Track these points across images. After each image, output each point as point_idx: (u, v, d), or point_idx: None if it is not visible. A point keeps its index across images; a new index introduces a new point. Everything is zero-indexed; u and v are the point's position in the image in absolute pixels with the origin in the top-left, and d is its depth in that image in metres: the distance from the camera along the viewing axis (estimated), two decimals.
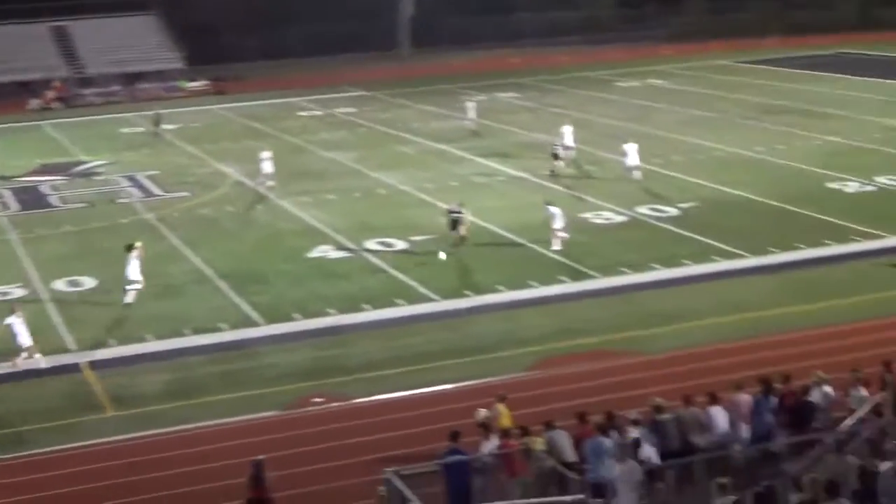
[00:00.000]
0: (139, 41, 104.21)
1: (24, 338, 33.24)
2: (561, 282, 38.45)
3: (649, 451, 22.35)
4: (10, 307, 34.63)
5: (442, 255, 40.58)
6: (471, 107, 69.40)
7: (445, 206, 43.81)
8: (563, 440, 22.98)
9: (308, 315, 36.47)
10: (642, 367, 30.87)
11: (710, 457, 22.05)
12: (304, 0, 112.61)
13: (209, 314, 36.97)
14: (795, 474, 20.16)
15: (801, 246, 40.97)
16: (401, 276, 39.87)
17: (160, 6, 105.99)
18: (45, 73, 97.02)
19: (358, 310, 36.62)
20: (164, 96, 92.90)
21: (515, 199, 50.08)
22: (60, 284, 40.90)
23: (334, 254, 43.17)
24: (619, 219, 46.13)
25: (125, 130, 75.93)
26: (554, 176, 53.41)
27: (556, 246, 41.37)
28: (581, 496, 18.99)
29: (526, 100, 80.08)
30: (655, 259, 40.23)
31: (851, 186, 49.50)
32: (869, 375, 25.25)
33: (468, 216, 42.85)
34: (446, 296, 37.46)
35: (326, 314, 36.45)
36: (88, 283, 41.03)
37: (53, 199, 54.76)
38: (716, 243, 41.64)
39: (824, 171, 52.06)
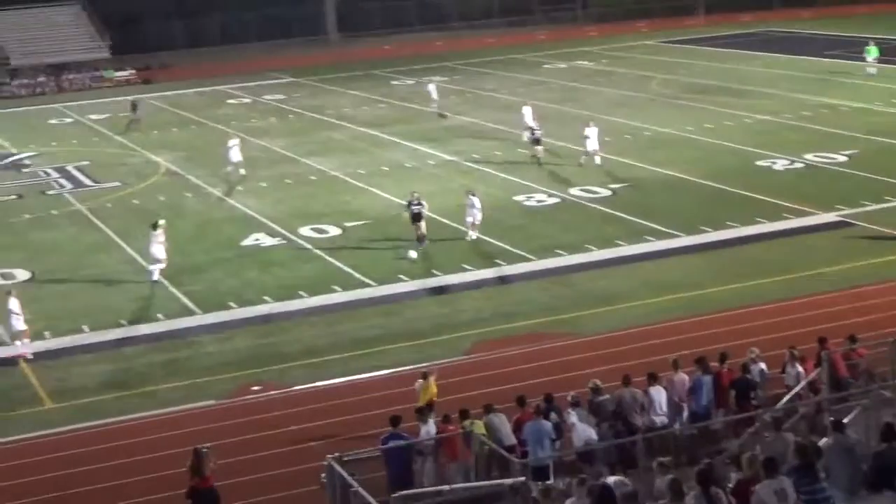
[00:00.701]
0: (64, 32, 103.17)
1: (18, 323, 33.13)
2: (496, 265, 38.60)
3: (589, 432, 22.58)
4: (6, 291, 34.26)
5: (412, 254, 39.14)
6: (432, 89, 69.58)
7: (405, 200, 42.18)
8: (502, 423, 23.13)
9: (244, 303, 36.42)
10: (580, 349, 31.10)
11: (651, 436, 22.26)
12: None
13: (145, 304, 36.83)
14: (734, 452, 20.42)
15: (733, 224, 41.38)
16: (336, 262, 39.88)
17: None
18: None
19: (294, 297, 36.62)
20: (91, 86, 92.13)
21: (447, 183, 50.13)
22: None
23: (268, 241, 43.09)
24: (552, 200, 46.35)
25: (53, 121, 75.18)
26: (539, 163, 52.48)
27: (473, 236, 41.24)
28: (522, 479, 19.08)
29: (453, 83, 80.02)
30: (589, 240, 40.50)
31: (780, 164, 50.00)
32: (805, 352, 25.61)
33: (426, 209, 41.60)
34: (382, 281, 37.50)
35: (263, 302, 36.42)
36: (21, 275, 40.67)
37: None
38: (648, 223, 41.97)
39: (754, 150, 52.54)
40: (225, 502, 22.12)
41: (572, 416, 23.04)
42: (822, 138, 54.67)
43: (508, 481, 19.35)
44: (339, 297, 36.55)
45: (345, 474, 19.41)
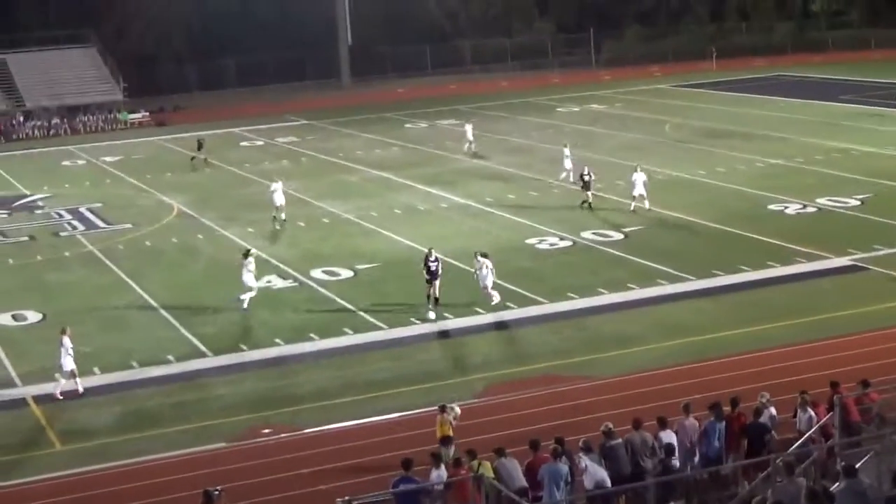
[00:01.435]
0: (78, 74, 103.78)
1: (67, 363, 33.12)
2: (508, 308, 38.53)
3: (601, 474, 22.48)
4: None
5: (431, 315, 37.84)
6: (469, 129, 69.94)
7: (423, 259, 39.30)
8: (514, 467, 23.05)
9: (255, 345, 36.41)
10: (592, 392, 30.98)
11: (660, 480, 22.14)
12: (242, 30, 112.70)
13: (156, 346, 36.80)
14: (745, 497, 20.30)
15: (745, 268, 41.28)
16: (347, 304, 39.85)
17: (99, 39, 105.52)
18: None
19: (305, 339, 36.57)
20: (104, 128, 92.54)
21: (459, 226, 50.24)
22: (5, 318, 40.59)
23: (280, 283, 43.10)
24: (564, 244, 46.33)
25: (66, 163, 75.45)
26: (589, 207, 51.56)
27: (496, 298, 38.18)
28: None
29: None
30: (601, 283, 40.42)
31: (793, 208, 49.94)
32: (816, 396, 25.48)
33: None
34: (393, 324, 37.45)
35: (274, 344, 36.39)
36: (33, 317, 40.72)
37: None
38: (660, 267, 41.89)
39: (765, 194, 52.51)
40: None
41: (584, 461, 22.93)
42: (835, 182, 54.63)
43: None
44: (351, 339, 36.49)
45: None
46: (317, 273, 43.85)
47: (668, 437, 23.98)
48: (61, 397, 32.90)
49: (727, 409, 24.68)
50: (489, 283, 38.12)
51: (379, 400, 31.56)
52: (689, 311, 37.52)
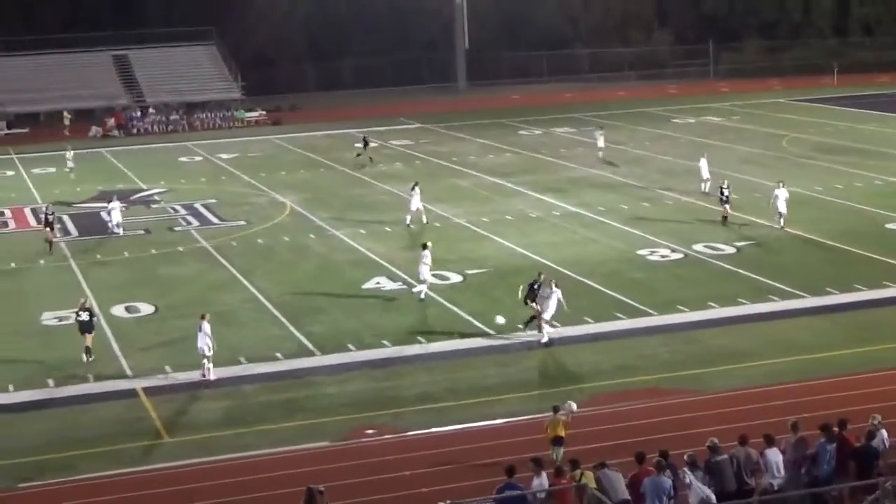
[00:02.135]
0: (198, 71, 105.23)
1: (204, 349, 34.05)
2: (617, 318, 38.32)
3: (706, 492, 22.22)
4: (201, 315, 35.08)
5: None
6: (599, 135, 69.83)
7: (528, 282, 37.25)
8: (617, 479, 22.89)
9: (363, 346, 36.55)
10: (698, 406, 30.67)
11: (766, 499, 21.86)
12: (360, 32, 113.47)
13: (265, 343, 37.13)
14: None
15: (861, 287, 40.57)
16: (456, 308, 39.87)
17: (219, 37, 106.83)
18: (106, 101, 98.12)
19: (413, 342, 36.65)
20: (221, 126, 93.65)
21: (570, 235, 50.06)
22: (118, 310, 41.21)
23: (389, 285, 43.24)
24: (675, 256, 45.94)
25: (183, 159, 76.46)
26: (727, 223, 50.57)
27: (545, 338, 36.46)
28: None
29: (582, 135, 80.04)
30: (712, 297, 40.00)
31: None
32: None
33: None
34: (501, 330, 37.35)
35: (381, 345, 36.50)
36: (146, 309, 41.31)
37: (111, 225, 55.06)
38: (773, 282, 41.34)
39: (884, 212, 51.63)
40: None
41: (688, 476, 22.70)
42: None
43: None
44: (458, 343, 36.49)
45: None
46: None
47: (775, 455, 23.65)
48: (213, 377, 33.92)
49: (836, 429, 24.27)
50: (550, 314, 36.53)
51: (483, 405, 31.50)
52: (800, 329, 36.98)
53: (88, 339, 36.02)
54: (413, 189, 53.65)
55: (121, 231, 52.68)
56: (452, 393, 32.54)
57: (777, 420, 26.45)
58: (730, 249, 46.45)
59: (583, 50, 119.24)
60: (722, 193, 51.17)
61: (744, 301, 39.62)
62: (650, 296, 40.51)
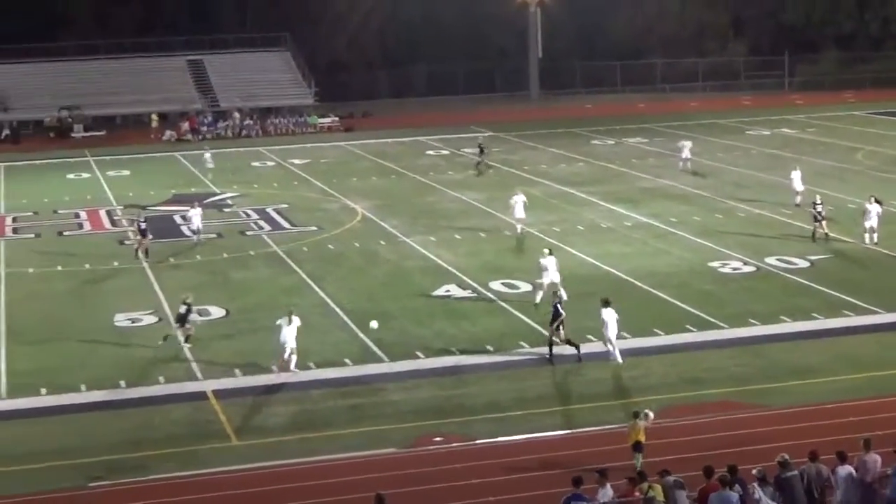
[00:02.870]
0: (272, 77, 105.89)
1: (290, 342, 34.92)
2: (687, 330, 38.08)
3: None
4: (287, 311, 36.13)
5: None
6: (686, 145, 69.48)
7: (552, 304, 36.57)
8: (682, 495, 22.78)
9: (431, 354, 36.56)
10: (768, 421, 30.38)
11: None
12: (433, 40, 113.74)
13: (333, 348, 37.25)
14: None
15: None
16: (524, 318, 39.78)
17: (293, 43, 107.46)
18: (180, 105, 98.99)
19: (481, 350, 36.61)
20: (294, 131, 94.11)
21: (642, 246, 49.81)
22: None
23: (459, 293, 43.24)
24: (747, 269, 45.56)
25: (255, 164, 76.96)
26: (825, 239, 49.25)
27: (616, 358, 35.32)
28: None
29: (654, 145, 79.74)
30: (784, 311, 39.64)
31: None
32: None
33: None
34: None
35: (449, 353, 36.49)
36: (216, 312, 41.56)
37: (185, 229, 55.50)
38: (847, 297, 40.87)
39: None
40: None
41: (758, 491, 22.51)
42: None
43: None
44: (525, 353, 36.39)
45: None
46: (496, 284, 43.87)
47: (847, 472, 23.39)
48: (296, 370, 34.78)
49: None
50: (612, 334, 35.58)
51: (551, 415, 31.43)
52: (875, 345, 36.49)
53: (180, 331, 37.48)
54: (515, 197, 53.30)
55: (201, 237, 52.60)
56: (519, 402, 32.45)
57: (848, 437, 26.12)
58: (803, 263, 45.97)
59: (656, 60, 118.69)
60: (815, 209, 49.77)
61: (817, 316, 39.21)
62: (721, 308, 40.22)
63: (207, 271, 47.77)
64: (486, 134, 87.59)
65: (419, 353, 36.54)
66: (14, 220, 60.27)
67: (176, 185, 69.02)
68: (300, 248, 51.29)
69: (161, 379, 34.85)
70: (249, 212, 60.24)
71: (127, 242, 53.04)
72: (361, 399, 33.13)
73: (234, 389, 33.91)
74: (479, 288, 43.57)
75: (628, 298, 40.99)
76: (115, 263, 49.47)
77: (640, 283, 43.26)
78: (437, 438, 30.10)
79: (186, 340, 37.47)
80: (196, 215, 52.66)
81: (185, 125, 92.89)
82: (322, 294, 43.58)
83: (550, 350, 35.68)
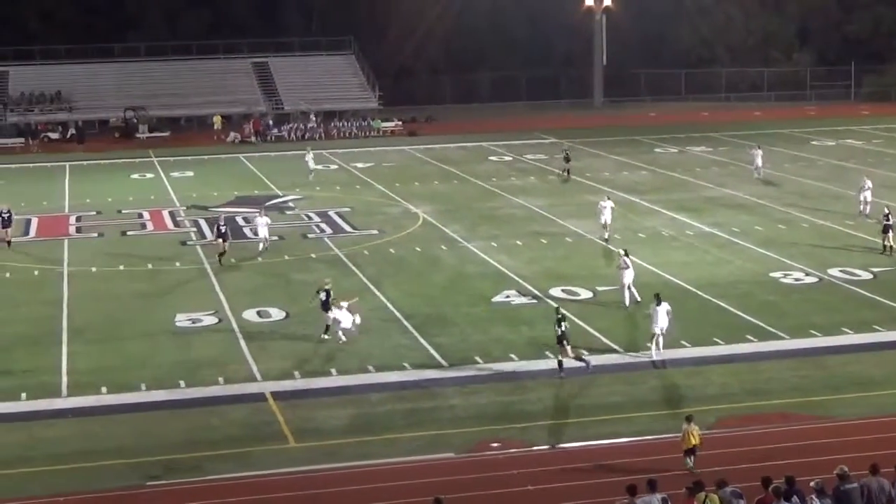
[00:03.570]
0: (336, 80, 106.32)
1: (346, 322, 37.68)
2: (748, 340, 37.86)
3: None
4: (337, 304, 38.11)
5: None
6: (757, 154, 69.33)
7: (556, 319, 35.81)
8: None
9: (490, 359, 36.54)
10: (828, 433, 30.16)
11: None
12: (497, 46, 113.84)
13: (393, 352, 37.33)
14: None
15: None
16: (584, 325, 39.68)
17: (357, 47, 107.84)
18: (245, 107, 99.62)
19: (540, 356, 36.53)
20: (357, 135, 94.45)
21: (703, 255, 49.57)
22: (250, 314, 41.74)
23: (518, 299, 43.20)
24: (810, 280, 45.24)
25: (318, 167, 77.19)
26: (890, 252, 48.47)
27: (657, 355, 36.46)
28: None
29: (717, 154, 79.35)
30: (846, 323, 39.34)
31: None
32: None
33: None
34: (628, 348, 37.16)
35: (508, 359, 36.47)
36: (277, 314, 41.78)
37: (247, 231, 55.83)
38: None
39: None
40: None
41: (815, 503, 22.34)
42: None
43: None
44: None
45: None
46: (556, 291, 43.82)
47: None
48: (344, 338, 37.73)
49: None
50: (661, 328, 36.20)
51: (609, 423, 31.34)
52: None
53: (328, 317, 38.60)
54: (602, 202, 53.34)
55: (267, 245, 51.91)
56: (579, 409, 32.41)
57: None
58: (866, 275, 45.57)
59: (721, 69, 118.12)
60: (888, 220, 49.01)
61: (879, 328, 38.88)
62: (782, 319, 39.96)
63: (268, 273, 48.03)
64: (550, 140, 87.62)
65: (478, 359, 36.54)
66: (78, 219, 60.91)
67: (239, 187, 69.40)
68: (361, 251, 51.45)
69: (221, 380, 35.05)
70: (311, 214, 60.50)
71: (196, 242, 53.30)
72: (420, 403, 33.18)
73: (294, 391, 34.05)
74: (540, 294, 43.50)
75: (689, 307, 40.87)
76: (177, 264, 49.87)
77: (701, 293, 43.08)
78: (495, 444, 30.08)
79: (324, 331, 38.49)
80: (262, 224, 52.22)
81: (249, 127, 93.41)
82: (382, 298, 43.69)
83: (560, 366, 35.01)
